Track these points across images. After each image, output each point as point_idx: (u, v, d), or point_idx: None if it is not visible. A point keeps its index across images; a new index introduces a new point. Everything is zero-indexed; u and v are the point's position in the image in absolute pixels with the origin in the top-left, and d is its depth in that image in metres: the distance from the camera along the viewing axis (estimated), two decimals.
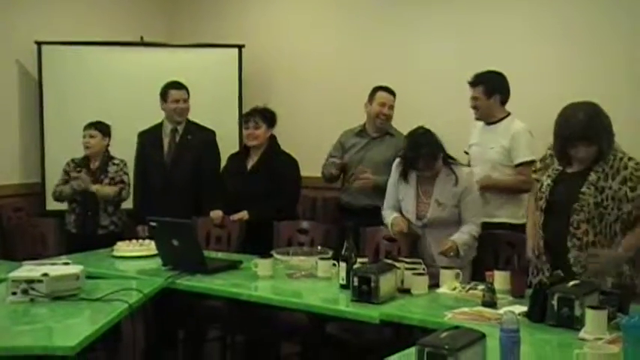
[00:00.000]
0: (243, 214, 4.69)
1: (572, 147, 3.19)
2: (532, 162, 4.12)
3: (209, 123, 5.28)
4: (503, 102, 4.34)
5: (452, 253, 3.65)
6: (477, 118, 4.36)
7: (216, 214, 4.78)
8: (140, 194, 5.07)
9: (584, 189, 3.19)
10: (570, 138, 3.18)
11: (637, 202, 3.16)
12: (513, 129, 4.23)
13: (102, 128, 5.06)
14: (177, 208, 4.64)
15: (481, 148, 4.33)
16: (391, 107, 4.79)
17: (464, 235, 3.73)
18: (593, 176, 3.19)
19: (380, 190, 4.34)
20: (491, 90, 4.28)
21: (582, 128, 3.14)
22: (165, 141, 5.08)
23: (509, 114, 4.33)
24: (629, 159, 3.19)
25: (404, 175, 3.91)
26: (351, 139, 4.89)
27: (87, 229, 4.94)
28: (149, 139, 5.10)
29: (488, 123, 4.34)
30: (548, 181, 3.34)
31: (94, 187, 4.90)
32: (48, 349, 2.74)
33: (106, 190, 4.95)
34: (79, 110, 5.60)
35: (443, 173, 3.82)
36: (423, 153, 3.73)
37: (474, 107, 4.33)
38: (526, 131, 4.20)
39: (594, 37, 4.83)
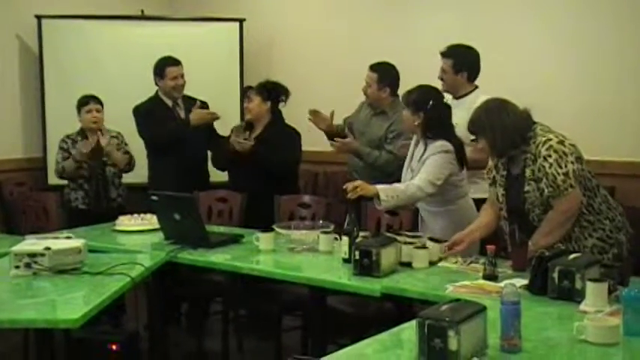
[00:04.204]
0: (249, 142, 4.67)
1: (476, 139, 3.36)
2: None
3: (210, 97, 5.27)
4: (471, 79, 4.30)
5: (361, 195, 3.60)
6: (444, 90, 4.28)
7: None
8: (156, 169, 5.08)
9: (526, 188, 3.25)
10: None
11: (548, 182, 3.17)
12: (472, 105, 4.04)
13: (101, 102, 5.06)
14: (199, 180, 4.83)
15: None
16: (369, 85, 4.65)
17: (392, 185, 3.70)
18: (528, 172, 3.24)
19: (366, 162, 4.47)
20: (459, 67, 4.25)
21: (468, 122, 3.37)
22: (181, 113, 5.07)
23: (475, 88, 4.29)
24: (544, 143, 3.18)
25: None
26: (358, 111, 4.84)
27: (101, 204, 4.94)
28: (156, 114, 5.01)
29: (456, 97, 4.30)
30: (501, 190, 3.40)
31: (110, 149, 4.90)
32: (51, 322, 2.77)
33: (118, 155, 4.96)
34: (79, 84, 5.58)
35: (421, 143, 3.85)
36: (416, 92, 3.80)
37: (441, 79, 4.30)
38: None
39: (600, 12, 4.80)
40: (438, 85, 4.17)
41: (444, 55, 4.29)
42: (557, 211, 3.19)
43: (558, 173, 3.13)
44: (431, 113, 3.77)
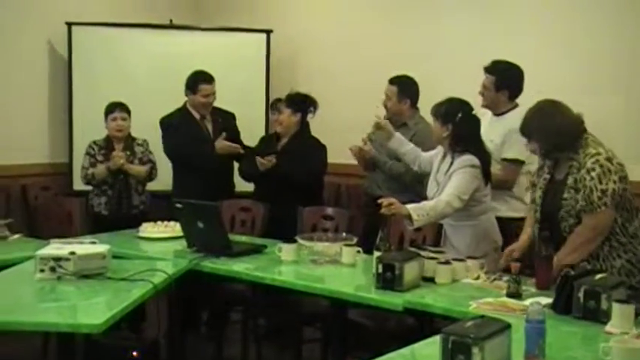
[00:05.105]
0: (272, 160, 4.70)
1: (527, 141, 3.35)
2: (518, 161, 4.12)
3: (236, 108, 5.30)
4: (512, 97, 4.22)
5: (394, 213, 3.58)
6: (483, 105, 4.26)
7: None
8: (181, 178, 5.09)
9: (565, 195, 3.22)
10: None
11: (584, 195, 3.14)
12: (511, 125, 3.98)
13: (128, 109, 5.09)
14: (224, 190, 4.88)
15: (484, 140, 4.25)
16: (389, 98, 4.68)
17: (421, 204, 3.68)
18: (570, 180, 3.21)
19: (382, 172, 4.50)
20: (500, 84, 4.18)
21: (521, 124, 3.34)
22: (209, 127, 5.10)
23: (516, 106, 4.21)
24: (592, 156, 3.15)
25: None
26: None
27: (122, 211, 4.97)
28: (183, 130, 5.01)
29: (496, 114, 4.25)
30: (539, 192, 3.38)
31: (127, 166, 4.95)
32: (74, 327, 2.79)
33: (137, 168, 5.00)
34: (107, 91, 5.62)
35: (448, 156, 3.85)
36: (445, 104, 3.79)
37: (482, 94, 4.24)
38: None
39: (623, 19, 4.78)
40: (470, 98, 4.11)
41: (487, 70, 4.21)
42: (586, 227, 3.16)
43: (596, 188, 3.10)
44: (459, 125, 3.76)
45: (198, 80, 5.03)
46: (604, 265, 3.16)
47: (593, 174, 3.12)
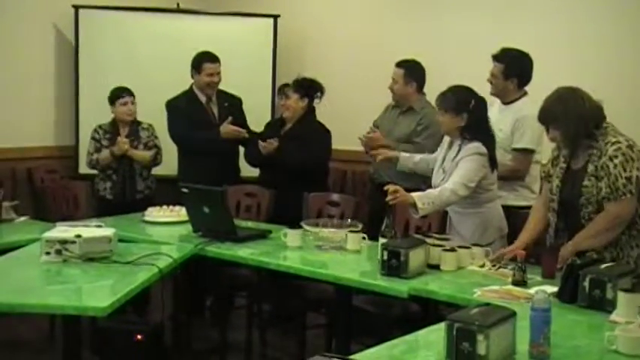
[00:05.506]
0: (273, 143, 4.70)
1: (546, 130, 3.30)
2: (528, 151, 4.11)
3: (242, 92, 5.29)
4: (521, 85, 4.20)
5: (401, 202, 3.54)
6: (492, 94, 4.24)
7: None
8: (187, 163, 5.10)
9: (585, 182, 3.19)
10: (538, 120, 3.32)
11: (609, 182, 3.12)
12: (519, 114, 4.08)
13: (133, 94, 5.09)
14: (229, 175, 4.91)
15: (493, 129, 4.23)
16: (396, 81, 4.67)
17: (426, 192, 3.65)
18: (590, 167, 3.18)
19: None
20: (509, 72, 4.15)
21: (540, 112, 3.27)
22: (214, 110, 5.10)
23: (524, 94, 4.20)
24: (613, 143, 3.13)
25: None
26: (384, 113, 4.85)
27: (126, 195, 4.99)
28: (189, 115, 5.02)
29: (504, 103, 4.23)
30: (557, 181, 3.34)
31: (132, 152, 4.96)
32: (80, 309, 2.81)
33: (142, 154, 5.00)
34: (113, 75, 5.62)
35: (455, 144, 3.82)
36: (453, 94, 3.74)
37: (490, 82, 4.22)
38: (532, 118, 3.60)
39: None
40: (477, 87, 4.09)
41: (496, 58, 4.18)
42: (608, 214, 3.14)
43: (621, 176, 3.08)
44: (474, 112, 3.73)
45: (203, 60, 5.03)
46: (621, 254, 3.16)
47: (616, 161, 3.09)
